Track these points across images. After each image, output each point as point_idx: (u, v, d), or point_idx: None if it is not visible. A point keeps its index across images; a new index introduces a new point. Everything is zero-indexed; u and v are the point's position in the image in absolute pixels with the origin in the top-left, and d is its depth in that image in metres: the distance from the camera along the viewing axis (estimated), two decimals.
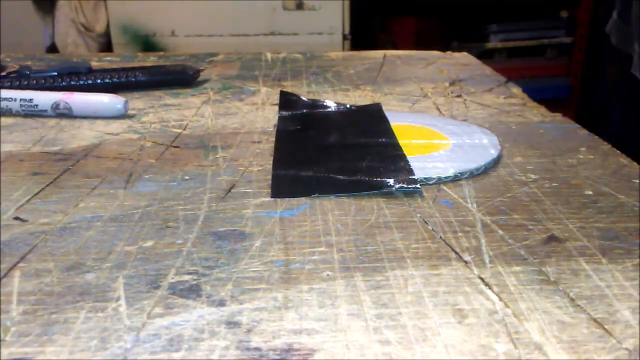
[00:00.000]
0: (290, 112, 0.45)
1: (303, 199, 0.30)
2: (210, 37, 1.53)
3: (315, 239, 0.26)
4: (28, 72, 0.53)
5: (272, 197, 0.31)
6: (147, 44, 1.52)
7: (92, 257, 0.25)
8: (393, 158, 0.35)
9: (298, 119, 0.44)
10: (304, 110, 0.46)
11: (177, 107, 0.48)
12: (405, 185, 0.31)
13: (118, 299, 0.22)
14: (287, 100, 0.48)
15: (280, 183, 0.32)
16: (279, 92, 0.50)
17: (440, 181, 0.33)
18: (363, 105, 0.47)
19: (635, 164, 0.35)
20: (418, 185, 0.31)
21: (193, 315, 0.21)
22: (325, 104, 0.47)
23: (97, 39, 1.58)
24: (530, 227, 0.27)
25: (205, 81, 0.57)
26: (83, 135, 0.41)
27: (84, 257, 0.25)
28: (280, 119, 0.44)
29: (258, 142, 0.39)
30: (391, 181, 0.32)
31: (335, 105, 0.47)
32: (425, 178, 0.33)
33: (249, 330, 0.20)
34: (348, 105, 0.47)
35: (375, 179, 0.32)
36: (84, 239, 0.26)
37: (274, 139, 0.39)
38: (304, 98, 0.49)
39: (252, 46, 1.50)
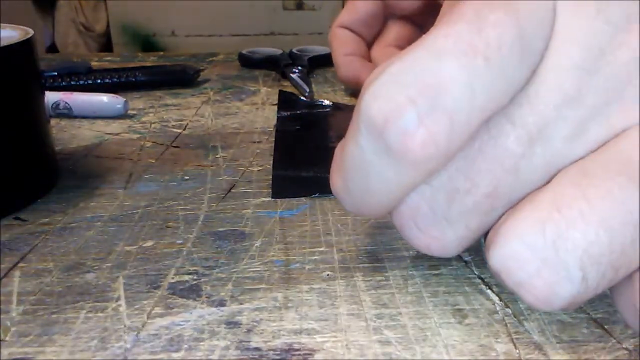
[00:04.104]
0: (290, 112, 0.45)
1: (303, 199, 0.30)
2: (210, 37, 1.53)
3: (315, 239, 0.26)
4: None
5: (272, 197, 0.31)
6: (147, 44, 1.52)
7: (92, 257, 0.25)
8: None
9: (298, 119, 0.44)
10: (304, 110, 0.46)
11: (177, 107, 0.48)
12: None
13: (118, 299, 0.22)
14: (286, 100, 0.48)
15: (281, 183, 0.32)
16: (278, 92, 0.50)
17: None
18: None
19: None
20: None
21: (193, 315, 0.21)
22: (325, 104, 0.47)
23: (97, 39, 1.59)
24: None
25: (205, 81, 0.57)
26: (83, 135, 0.41)
27: (84, 257, 0.25)
28: (280, 119, 0.44)
29: (258, 142, 0.39)
30: None
31: (335, 105, 0.47)
32: None
33: (249, 330, 0.20)
34: (348, 105, 0.47)
35: None
36: (84, 239, 0.26)
37: (274, 139, 0.39)
38: (303, 98, 0.49)
39: (252, 46, 1.50)
